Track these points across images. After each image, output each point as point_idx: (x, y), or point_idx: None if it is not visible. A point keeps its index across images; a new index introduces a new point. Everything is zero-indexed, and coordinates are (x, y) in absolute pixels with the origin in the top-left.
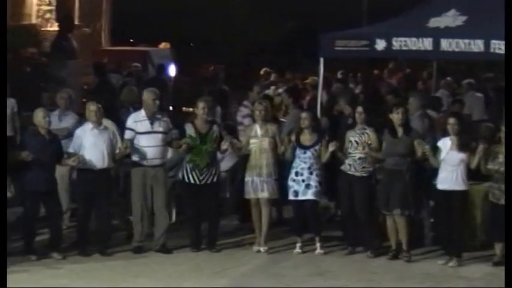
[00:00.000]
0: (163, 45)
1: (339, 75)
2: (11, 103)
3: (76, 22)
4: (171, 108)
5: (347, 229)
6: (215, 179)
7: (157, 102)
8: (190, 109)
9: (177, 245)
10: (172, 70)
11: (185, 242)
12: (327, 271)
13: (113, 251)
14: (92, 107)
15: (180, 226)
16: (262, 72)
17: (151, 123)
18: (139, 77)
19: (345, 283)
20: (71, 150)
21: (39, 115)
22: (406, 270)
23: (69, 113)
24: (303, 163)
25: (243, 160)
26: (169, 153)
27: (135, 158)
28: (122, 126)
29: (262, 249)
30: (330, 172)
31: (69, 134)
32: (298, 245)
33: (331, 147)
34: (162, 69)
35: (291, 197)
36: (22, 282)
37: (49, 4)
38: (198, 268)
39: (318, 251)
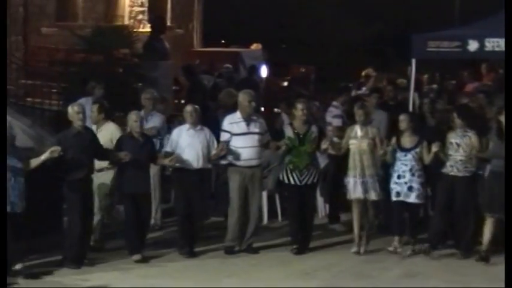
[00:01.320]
0: (255, 46)
1: (427, 77)
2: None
3: (168, 23)
4: (262, 109)
5: (438, 231)
6: (315, 180)
7: (253, 103)
8: (281, 110)
9: (265, 245)
10: (263, 71)
11: (273, 242)
12: (418, 273)
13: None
14: (188, 108)
15: (268, 227)
16: (363, 73)
17: (247, 125)
18: (231, 78)
19: (435, 285)
20: (168, 149)
21: (130, 118)
22: (498, 272)
23: (155, 113)
24: (404, 166)
25: (334, 161)
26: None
27: (231, 159)
28: (217, 128)
29: (362, 250)
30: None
31: (158, 134)
32: (394, 243)
33: (435, 148)
34: (254, 70)
35: (393, 197)
36: (111, 282)
37: (141, 5)
38: (288, 269)
39: (409, 252)
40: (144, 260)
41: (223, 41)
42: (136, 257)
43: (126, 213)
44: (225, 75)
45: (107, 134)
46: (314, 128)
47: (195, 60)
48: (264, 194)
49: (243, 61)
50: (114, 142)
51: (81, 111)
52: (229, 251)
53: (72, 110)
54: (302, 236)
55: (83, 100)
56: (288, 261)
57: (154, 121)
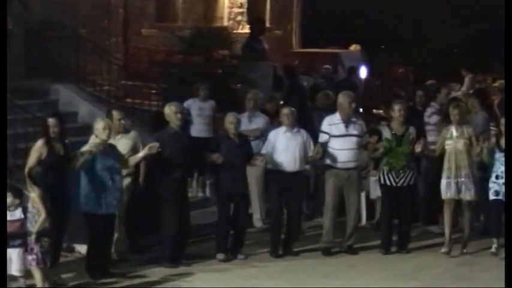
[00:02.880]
0: (354, 47)
1: None
2: (211, 105)
3: (267, 24)
4: (361, 110)
5: None
6: (412, 182)
7: (353, 105)
8: (380, 111)
9: (364, 246)
10: (362, 72)
11: (372, 243)
12: None
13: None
14: (285, 111)
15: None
16: (468, 77)
17: (346, 126)
18: (330, 79)
19: None
20: (263, 151)
21: (227, 120)
22: None
23: (258, 114)
24: (502, 166)
25: (430, 162)
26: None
27: (329, 160)
28: (314, 129)
29: (452, 250)
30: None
31: (261, 135)
32: (494, 245)
33: None
34: (353, 71)
35: (491, 196)
36: (212, 282)
37: (241, 7)
38: (385, 270)
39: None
40: (227, 259)
41: (321, 42)
42: (220, 256)
43: (220, 214)
44: (325, 76)
45: (129, 142)
46: (412, 129)
47: (293, 61)
48: (363, 195)
49: (342, 62)
50: (140, 150)
51: (178, 110)
52: (326, 252)
53: (169, 109)
54: (398, 237)
55: (189, 101)
56: (386, 263)
57: (258, 122)
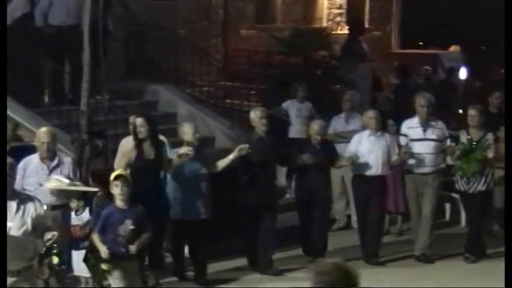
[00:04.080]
0: (453, 48)
1: None
2: (309, 106)
3: (366, 25)
4: (460, 111)
5: None
6: (483, 188)
7: (429, 109)
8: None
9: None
10: (462, 73)
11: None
12: None
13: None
14: (370, 114)
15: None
16: None
17: (424, 130)
18: (430, 80)
19: None
20: (346, 155)
21: (312, 128)
22: None
23: (355, 116)
24: None
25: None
26: None
27: (407, 164)
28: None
29: None
30: None
31: None
32: None
33: None
34: (452, 72)
35: None
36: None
37: (340, 8)
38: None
39: None
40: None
41: (421, 43)
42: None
43: (301, 218)
44: (425, 77)
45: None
46: (490, 136)
47: (392, 62)
48: None
49: (442, 63)
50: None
51: (264, 116)
52: (421, 259)
53: (254, 114)
54: (468, 244)
55: (287, 102)
56: (470, 269)
57: (355, 123)
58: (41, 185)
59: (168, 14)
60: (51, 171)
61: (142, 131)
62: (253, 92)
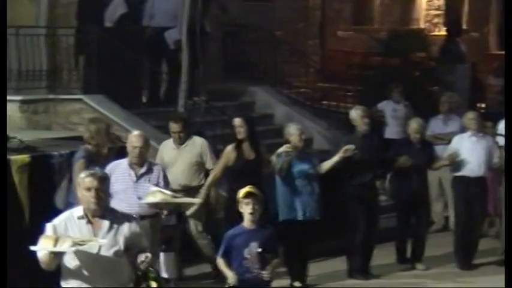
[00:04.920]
0: None
1: None
2: (404, 107)
3: (464, 26)
4: None
5: None
6: None
7: None
8: None
9: None
10: None
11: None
12: None
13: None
14: (471, 115)
15: None
16: None
17: None
18: None
19: None
20: (447, 153)
21: (411, 127)
22: None
23: (453, 117)
24: None
25: None
26: None
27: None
28: None
29: None
30: None
31: None
32: None
33: None
34: None
35: None
36: None
37: (438, 9)
38: None
39: None
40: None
41: None
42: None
43: (399, 220)
44: None
45: (195, 148)
46: None
47: (491, 63)
48: None
49: None
50: (205, 156)
51: (365, 115)
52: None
53: (356, 113)
54: None
55: (383, 103)
56: None
57: (453, 125)
58: (139, 198)
59: (265, 15)
60: (138, 178)
61: (242, 131)
62: (349, 94)
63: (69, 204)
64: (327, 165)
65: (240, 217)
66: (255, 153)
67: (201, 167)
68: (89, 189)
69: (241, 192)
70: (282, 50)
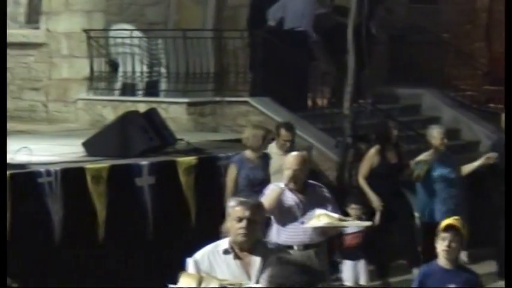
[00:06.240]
0: None
1: None
2: None
3: None
4: None
5: None
6: None
7: None
8: None
9: None
10: None
11: None
12: None
13: None
14: None
15: None
16: None
17: None
18: None
19: None
20: None
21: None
22: None
23: None
24: None
25: None
26: None
27: None
28: None
29: None
30: None
31: None
32: None
33: None
34: None
35: None
36: None
37: None
38: None
39: None
40: None
41: None
42: None
43: None
44: None
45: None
46: None
47: None
48: None
49: None
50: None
51: None
52: None
53: None
54: None
55: None
56: None
57: None
58: (302, 222)
59: (431, 17)
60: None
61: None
62: None
63: None
64: (467, 168)
65: None
66: (397, 157)
67: None
68: (240, 219)
69: (443, 223)
70: (449, 53)
